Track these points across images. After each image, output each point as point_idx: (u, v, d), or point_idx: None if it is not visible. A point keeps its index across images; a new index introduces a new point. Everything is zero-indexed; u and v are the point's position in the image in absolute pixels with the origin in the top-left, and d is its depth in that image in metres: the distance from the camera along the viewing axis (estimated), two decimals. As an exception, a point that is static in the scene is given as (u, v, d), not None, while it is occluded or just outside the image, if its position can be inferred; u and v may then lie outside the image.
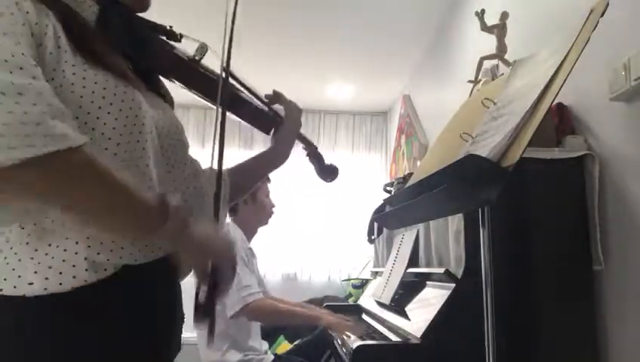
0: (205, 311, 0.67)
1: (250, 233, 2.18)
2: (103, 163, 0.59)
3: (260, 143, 4.40)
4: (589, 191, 1.40)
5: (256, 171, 1.08)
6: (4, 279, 0.61)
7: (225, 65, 0.80)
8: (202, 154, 0.82)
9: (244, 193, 1.08)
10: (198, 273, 0.70)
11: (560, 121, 1.55)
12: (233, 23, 0.78)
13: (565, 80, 0.91)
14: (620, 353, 1.33)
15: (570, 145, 1.47)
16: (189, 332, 1.04)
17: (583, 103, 1.54)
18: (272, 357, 2.13)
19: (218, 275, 0.68)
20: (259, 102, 1.05)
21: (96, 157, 0.58)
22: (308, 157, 1.21)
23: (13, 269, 0.61)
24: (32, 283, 0.60)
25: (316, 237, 4.44)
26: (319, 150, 1.21)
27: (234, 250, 0.74)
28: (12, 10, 0.60)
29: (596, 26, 0.95)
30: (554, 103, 1.14)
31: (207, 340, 0.88)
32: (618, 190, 1.37)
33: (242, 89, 1.01)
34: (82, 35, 0.68)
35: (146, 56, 0.81)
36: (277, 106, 1.11)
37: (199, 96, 0.93)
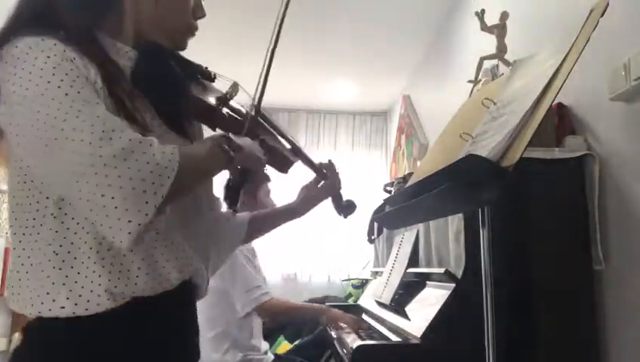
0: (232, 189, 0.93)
1: None
2: (183, 149, 0.71)
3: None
4: (589, 191, 1.40)
5: (277, 220, 1.18)
6: (42, 303, 0.70)
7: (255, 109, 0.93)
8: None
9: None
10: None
11: (560, 121, 1.55)
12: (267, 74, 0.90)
13: (565, 80, 0.91)
14: (620, 353, 1.33)
15: (570, 145, 1.47)
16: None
17: (583, 103, 1.54)
18: (272, 357, 2.13)
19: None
20: (282, 141, 1.08)
21: (184, 151, 0.70)
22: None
23: (48, 293, 0.70)
24: (63, 307, 0.70)
25: (316, 237, 4.44)
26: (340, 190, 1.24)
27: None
28: (78, 73, 0.68)
29: (596, 26, 0.94)
30: (554, 103, 1.14)
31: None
32: (618, 190, 1.37)
33: (268, 127, 1.05)
34: (117, 85, 0.75)
35: (175, 101, 0.86)
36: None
37: None
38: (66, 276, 0.70)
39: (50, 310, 0.70)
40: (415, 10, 3.02)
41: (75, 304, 0.70)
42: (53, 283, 0.70)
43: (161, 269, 0.76)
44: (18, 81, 0.66)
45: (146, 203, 0.64)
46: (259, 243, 2.30)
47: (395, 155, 4.10)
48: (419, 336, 1.34)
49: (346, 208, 1.23)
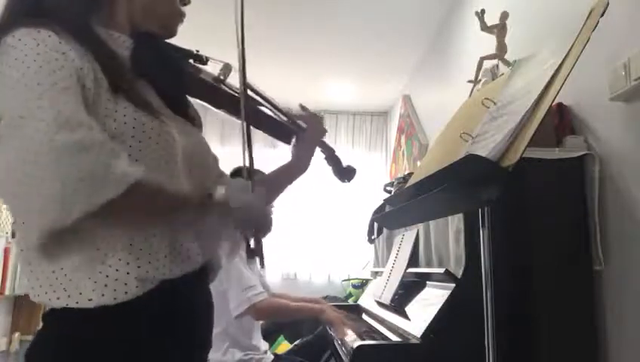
0: (256, 251, 0.83)
1: None
2: (154, 182, 0.70)
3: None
4: (589, 191, 1.40)
5: (279, 183, 1.14)
6: (68, 296, 0.69)
7: (243, 85, 0.87)
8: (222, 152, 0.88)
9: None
10: (244, 231, 0.84)
11: (560, 121, 1.55)
12: (243, 43, 0.84)
13: (565, 80, 0.91)
14: (619, 353, 1.33)
15: (570, 145, 1.47)
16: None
17: (583, 103, 1.54)
18: (272, 357, 2.13)
19: (258, 231, 0.84)
20: (279, 114, 1.09)
21: (149, 180, 0.68)
22: (325, 160, 1.23)
23: (76, 286, 0.69)
24: (91, 299, 0.69)
25: (316, 237, 4.44)
26: (336, 153, 1.25)
27: (270, 213, 0.88)
28: (63, 64, 0.68)
29: (596, 26, 0.95)
30: (554, 103, 1.14)
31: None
32: (618, 190, 1.37)
33: (263, 102, 1.06)
34: (118, 74, 0.75)
35: (177, 84, 0.88)
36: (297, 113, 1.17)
37: (226, 114, 1.00)
38: (92, 268, 0.69)
39: (77, 302, 0.69)
40: (415, 10, 3.02)
41: (102, 294, 0.69)
42: (79, 276, 0.69)
43: (184, 249, 0.78)
44: (4, 69, 0.67)
45: (73, 205, 0.61)
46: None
47: (395, 155, 4.10)
48: (419, 336, 1.34)
49: (346, 173, 1.23)
